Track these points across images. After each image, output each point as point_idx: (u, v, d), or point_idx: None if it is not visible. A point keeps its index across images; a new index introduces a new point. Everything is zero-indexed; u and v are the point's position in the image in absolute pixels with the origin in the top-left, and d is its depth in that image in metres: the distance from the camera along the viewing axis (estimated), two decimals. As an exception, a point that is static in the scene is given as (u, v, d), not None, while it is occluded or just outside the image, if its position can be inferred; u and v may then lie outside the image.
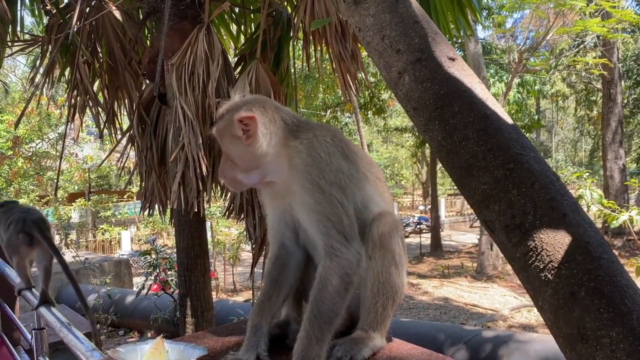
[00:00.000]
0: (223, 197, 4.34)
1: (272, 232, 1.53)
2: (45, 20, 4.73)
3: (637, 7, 17.35)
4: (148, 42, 4.90)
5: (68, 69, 4.73)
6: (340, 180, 1.36)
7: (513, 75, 12.88)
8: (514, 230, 1.22)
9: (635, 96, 20.59)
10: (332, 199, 1.33)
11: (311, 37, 4.11)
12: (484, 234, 12.64)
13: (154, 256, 7.06)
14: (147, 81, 4.52)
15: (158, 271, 7.01)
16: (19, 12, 4.54)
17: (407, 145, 28.14)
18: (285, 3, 4.71)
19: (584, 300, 1.10)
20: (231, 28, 5.51)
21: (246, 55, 4.41)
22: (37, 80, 4.53)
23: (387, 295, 1.42)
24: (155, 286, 7.21)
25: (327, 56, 4.16)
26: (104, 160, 7.45)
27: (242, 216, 3.93)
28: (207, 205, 4.18)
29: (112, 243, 17.00)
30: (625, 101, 19.30)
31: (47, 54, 4.41)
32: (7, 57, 4.94)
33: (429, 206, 21.85)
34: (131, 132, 4.53)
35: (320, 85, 15.88)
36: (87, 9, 4.31)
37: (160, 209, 4.55)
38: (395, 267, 1.44)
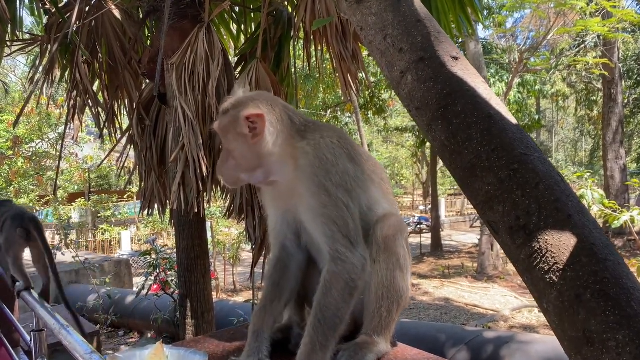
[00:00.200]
0: (223, 198, 4.32)
1: (273, 234, 1.50)
2: (44, 19, 4.71)
3: (638, 6, 17.31)
4: (148, 41, 4.89)
5: (68, 68, 4.71)
6: (346, 183, 1.33)
7: (513, 75, 12.85)
8: (518, 232, 1.19)
9: (636, 96, 20.59)
10: (338, 202, 1.30)
11: (312, 37, 4.09)
12: (484, 234, 12.61)
13: (154, 256, 7.03)
14: (147, 81, 4.51)
15: (158, 271, 6.98)
16: (18, 12, 4.52)
17: (408, 145, 28.14)
18: (286, 2, 4.70)
19: (589, 303, 1.08)
20: (231, 27, 5.49)
21: (247, 55, 4.39)
22: (36, 79, 4.51)
23: (391, 299, 1.39)
24: (155, 286, 7.19)
25: (328, 56, 4.14)
26: (103, 160, 7.41)
27: (242, 217, 3.91)
28: (207, 206, 4.16)
29: (112, 243, 16.99)
30: (626, 101, 19.28)
31: (47, 54, 4.39)
32: (6, 56, 4.92)
33: (429, 206, 21.85)
34: (131, 132, 4.51)
35: (321, 85, 15.84)
36: (87, 8, 4.30)
37: (160, 209, 4.54)
38: (400, 270, 1.41)
